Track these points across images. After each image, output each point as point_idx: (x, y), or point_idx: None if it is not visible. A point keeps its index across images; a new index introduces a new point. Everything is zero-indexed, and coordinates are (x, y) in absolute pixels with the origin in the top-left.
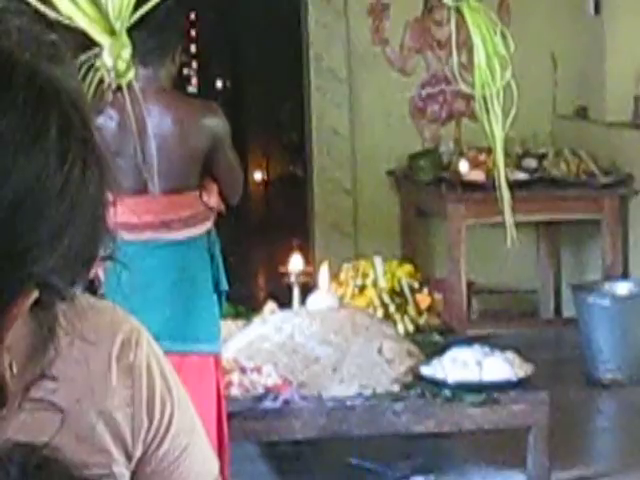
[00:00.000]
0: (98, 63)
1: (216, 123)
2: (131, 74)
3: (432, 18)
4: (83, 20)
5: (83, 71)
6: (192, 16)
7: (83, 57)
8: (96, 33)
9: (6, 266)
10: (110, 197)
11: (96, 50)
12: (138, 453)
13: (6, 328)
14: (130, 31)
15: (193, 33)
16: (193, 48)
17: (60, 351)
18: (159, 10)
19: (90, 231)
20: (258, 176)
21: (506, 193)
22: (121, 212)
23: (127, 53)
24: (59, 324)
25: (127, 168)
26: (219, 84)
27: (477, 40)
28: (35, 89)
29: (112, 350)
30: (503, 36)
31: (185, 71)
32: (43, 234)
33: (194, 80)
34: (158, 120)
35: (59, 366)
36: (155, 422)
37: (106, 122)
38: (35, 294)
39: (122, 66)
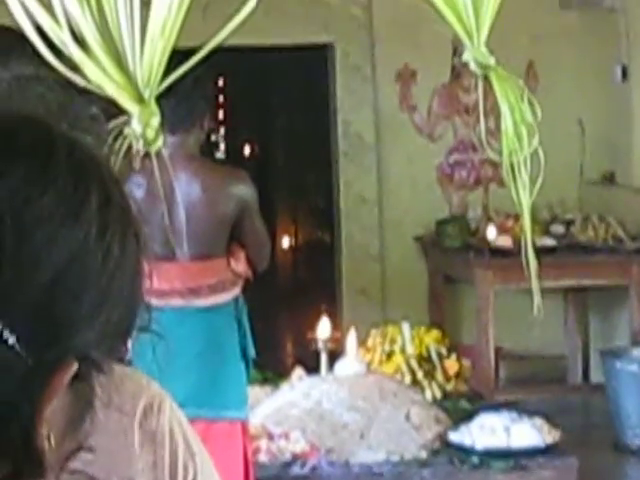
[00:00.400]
0: (127, 131)
1: (244, 190)
2: (160, 142)
3: (460, 84)
4: (112, 88)
5: (112, 138)
6: (220, 82)
7: (112, 124)
8: (125, 101)
9: (47, 339)
10: (146, 267)
11: (125, 118)
12: None
13: (47, 400)
14: (158, 99)
15: (221, 99)
16: (221, 114)
17: (97, 423)
18: (187, 78)
19: (129, 302)
20: (285, 242)
21: (532, 260)
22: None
23: (156, 121)
24: (96, 396)
25: (155, 235)
26: (247, 150)
27: (504, 108)
28: (75, 162)
29: (135, 416)
30: (530, 103)
31: (213, 137)
32: (84, 307)
33: (222, 146)
34: (186, 187)
35: (96, 437)
36: None
37: (134, 189)
38: (75, 367)
39: (151, 134)
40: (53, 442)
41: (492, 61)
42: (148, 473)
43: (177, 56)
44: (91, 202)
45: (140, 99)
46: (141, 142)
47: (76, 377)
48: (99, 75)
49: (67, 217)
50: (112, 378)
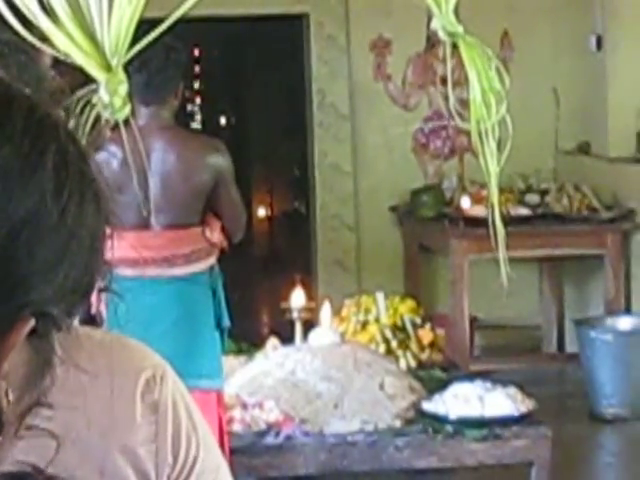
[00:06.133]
0: (95, 99)
1: (220, 160)
2: (127, 110)
3: (434, 54)
4: (80, 56)
5: (80, 107)
6: (196, 52)
7: (80, 93)
8: (92, 69)
9: (2, 295)
10: (109, 230)
11: (93, 86)
12: None
13: (3, 356)
14: (127, 69)
15: (197, 69)
16: (197, 84)
17: (56, 379)
18: (160, 50)
19: (87, 262)
20: (261, 212)
21: (500, 229)
22: (123, 247)
23: (123, 89)
24: (55, 353)
25: (130, 204)
26: (223, 120)
27: (472, 75)
28: (33, 122)
29: (137, 386)
30: (499, 71)
31: (189, 107)
32: (39, 264)
33: (198, 116)
34: (162, 156)
35: (55, 394)
36: (180, 459)
37: (109, 159)
38: (31, 323)
39: (118, 102)
40: (11, 397)
41: (460, 29)
42: (149, 443)
43: (146, 26)
44: (47, 162)
45: (108, 67)
46: (109, 110)
47: (35, 334)
48: (67, 44)
49: (23, 174)
50: (72, 337)
